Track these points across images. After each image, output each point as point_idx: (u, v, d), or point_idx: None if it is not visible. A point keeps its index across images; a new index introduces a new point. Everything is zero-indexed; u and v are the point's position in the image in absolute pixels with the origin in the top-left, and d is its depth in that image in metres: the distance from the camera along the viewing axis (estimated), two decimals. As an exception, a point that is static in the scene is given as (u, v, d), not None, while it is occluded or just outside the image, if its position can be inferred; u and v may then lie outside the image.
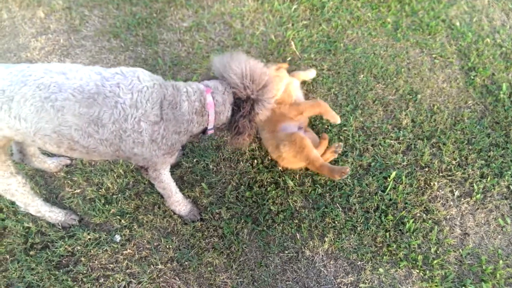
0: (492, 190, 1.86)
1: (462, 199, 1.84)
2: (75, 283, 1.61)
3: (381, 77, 2.28)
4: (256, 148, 1.97)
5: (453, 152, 1.97)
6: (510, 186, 1.88)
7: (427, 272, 1.63)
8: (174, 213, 1.76)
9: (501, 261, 1.67)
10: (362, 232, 1.72)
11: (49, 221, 1.73)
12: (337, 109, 2.11)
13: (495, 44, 2.45)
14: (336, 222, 1.75)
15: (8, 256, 1.70)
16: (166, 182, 1.56)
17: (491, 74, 2.29)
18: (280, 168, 1.89)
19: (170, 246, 1.70)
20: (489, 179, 1.89)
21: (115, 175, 1.88)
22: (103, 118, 1.20)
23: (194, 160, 1.95)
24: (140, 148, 1.31)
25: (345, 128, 2.03)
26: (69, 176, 1.90)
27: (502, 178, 1.90)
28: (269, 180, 1.88)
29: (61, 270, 1.64)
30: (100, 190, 1.84)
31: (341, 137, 1.99)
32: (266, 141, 1.83)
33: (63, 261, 1.67)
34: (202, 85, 1.40)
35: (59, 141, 1.23)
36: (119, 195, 1.82)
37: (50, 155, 1.95)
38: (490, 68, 2.31)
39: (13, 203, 1.77)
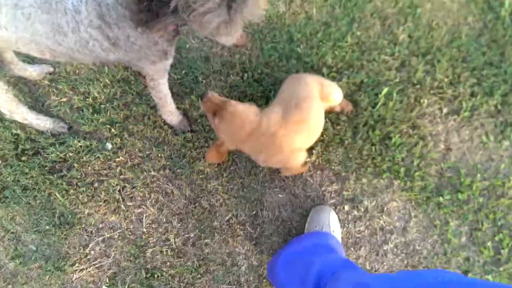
0: (480, 108, 1.99)
1: (450, 117, 1.97)
2: (70, 186, 1.75)
3: (382, -12, 2.26)
4: (247, 61, 2.02)
5: (447, 69, 2.05)
6: (498, 105, 2.00)
7: (408, 183, 1.81)
8: (165, 123, 1.86)
9: (478, 175, 1.86)
10: (349, 145, 1.86)
11: (37, 128, 1.81)
12: (333, 23, 2.13)
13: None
14: (324, 136, 1.88)
15: (0, 161, 1.81)
16: (163, 93, 1.63)
17: (496, -11, 2.29)
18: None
19: (162, 155, 1.82)
20: (478, 97, 2.00)
21: (101, 85, 1.93)
22: (63, 26, 1.22)
23: (183, 72, 2.00)
24: (113, 54, 1.33)
25: (340, 43, 2.07)
26: (53, 84, 1.95)
27: (492, 97, 2.01)
28: (259, 95, 1.96)
29: (55, 175, 1.77)
30: (87, 99, 1.91)
31: (335, 52, 2.04)
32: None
33: (56, 167, 1.79)
34: None
35: (39, 49, 1.27)
36: (107, 104, 1.90)
37: (31, 62, 1.97)
38: (496, -18, 2.30)
39: (-1, 109, 1.84)
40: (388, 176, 1.82)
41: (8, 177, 1.76)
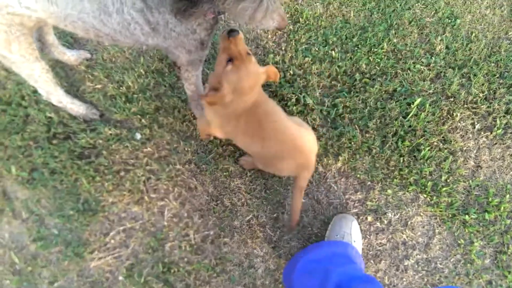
0: (515, 127, 1.94)
1: (482, 133, 1.93)
2: (97, 173, 1.78)
3: (422, -4, 2.22)
4: (280, 61, 2.01)
5: (483, 84, 2.01)
6: (534, 125, 1.95)
7: (434, 198, 1.78)
8: (194, 118, 1.87)
9: (508, 196, 1.81)
10: (377, 155, 1.84)
11: (70, 112, 1.85)
12: (370, 28, 2.10)
13: (555, -30, 2.33)
14: (352, 143, 1.86)
15: (32, 143, 1.85)
16: (196, 84, 1.64)
17: (541, 4, 2.22)
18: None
19: (189, 149, 1.83)
20: (513, 116, 1.95)
21: (136, 75, 1.96)
22: (109, 5, 1.22)
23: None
24: (152, 40, 1.33)
25: (375, 50, 2.04)
26: (89, 71, 1.97)
27: (527, 116, 1.96)
28: (289, 96, 1.95)
29: (83, 161, 1.80)
30: (121, 88, 1.93)
31: (370, 58, 2.01)
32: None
33: (85, 153, 1.82)
34: None
35: (84, 27, 1.28)
36: (140, 94, 1.92)
37: (69, 46, 2.00)
38: (542, -2, 2.23)
39: (35, 91, 1.87)
40: (414, 189, 1.79)
41: (38, 159, 1.80)
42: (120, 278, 1.67)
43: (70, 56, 1.94)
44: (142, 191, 1.77)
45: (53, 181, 1.78)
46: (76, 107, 1.82)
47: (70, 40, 2.06)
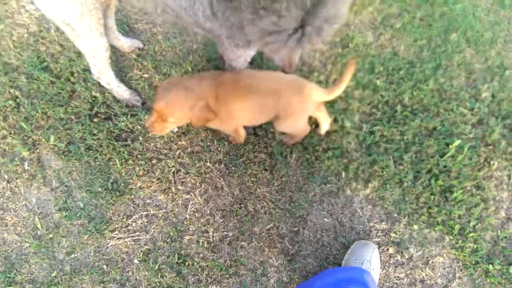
0: (552, 186, 1.89)
1: (518, 186, 1.89)
2: (130, 157, 1.82)
3: (474, 42, 2.23)
4: (324, 81, 2.04)
5: (525, 138, 1.98)
6: None
7: (460, 241, 1.74)
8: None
9: (536, 254, 1.76)
10: (408, 188, 1.82)
11: (115, 95, 1.91)
12: (418, 64, 2.11)
13: None
14: (384, 172, 1.85)
15: (73, 117, 1.92)
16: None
17: None
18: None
19: (221, 150, 1.86)
20: (553, 174, 1.91)
21: (182, 70, 2.02)
22: None
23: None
24: (209, 24, 1.38)
25: (420, 85, 2.05)
26: (139, 59, 2.05)
27: None
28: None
29: (119, 142, 1.85)
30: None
31: (414, 92, 2.02)
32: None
33: (123, 135, 1.88)
34: None
35: (155, 2, 1.35)
36: (183, 89, 1.97)
37: (125, 34, 2.09)
38: None
39: (85, 70, 1.95)
40: (441, 229, 1.75)
41: (77, 133, 1.86)
42: (135, 261, 1.69)
43: (124, 43, 2.02)
44: (170, 181, 1.80)
45: (87, 157, 1.83)
46: (121, 91, 1.89)
47: (126, 28, 2.16)
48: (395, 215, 1.79)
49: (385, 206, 1.80)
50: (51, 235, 1.74)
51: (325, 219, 1.79)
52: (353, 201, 1.81)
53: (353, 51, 2.13)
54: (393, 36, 2.20)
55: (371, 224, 1.77)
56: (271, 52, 1.31)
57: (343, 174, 1.85)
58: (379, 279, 1.68)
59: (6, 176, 1.83)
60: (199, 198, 1.78)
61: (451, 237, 1.74)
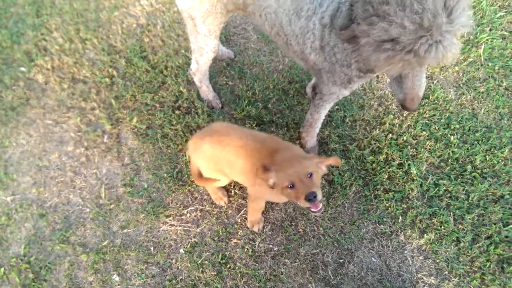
0: None
1: None
2: (200, 152, 1.93)
3: (559, 122, 2.17)
4: (397, 125, 2.06)
5: None
6: None
7: (511, 318, 1.64)
8: (298, 139, 1.96)
9: None
10: (464, 249, 1.77)
11: (201, 94, 2.05)
12: (496, 130, 2.09)
13: None
14: (442, 227, 1.81)
15: (158, 105, 2.07)
16: (319, 115, 1.74)
17: None
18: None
19: (285, 166, 1.92)
20: None
21: (264, 86, 2.13)
22: (304, 9, 1.36)
23: (336, 107, 2.12)
24: (314, 56, 1.45)
25: (495, 151, 2.01)
26: (228, 68, 2.20)
27: None
28: (394, 157, 1.97)
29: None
30: (248, 91, 2.11)
31: (487, 156, 1.99)
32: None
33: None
34: None
35: (273, 22, 1.45)
36: (261, 103, 2.08)
37: (223, 43, 2.26)
38: None
39: (179, 66, 2.12)
40: (492, 299, 1.67)
41: (157, 120, 2.00)
42: (181, 251, 1.74)
43: (219, 51, 2.18)
44: (230, 184, 1.87)
45: (161, 143, 1.96)
46: (207, 92, 2.02)
47: (222, 39, 2.33)
48: (446, 272, 1.73)
49: (437, 261, 1.75)
50: (111, 206, 1.84)
51: (373, 258, 1.76)
52: (405, 248, 1.78)
53: (431, 102, 2.15)
54: (475, 99, 2.20)
55: (419, 275, 1.72)
56: (386, 63, 1.14)
57: (400, 218, 1.83)
58: (418, 333, 1.61)
59: (85, 143, 1.99)
60: (254, 206, 1.83)
61: (503, 311, 1.66)
